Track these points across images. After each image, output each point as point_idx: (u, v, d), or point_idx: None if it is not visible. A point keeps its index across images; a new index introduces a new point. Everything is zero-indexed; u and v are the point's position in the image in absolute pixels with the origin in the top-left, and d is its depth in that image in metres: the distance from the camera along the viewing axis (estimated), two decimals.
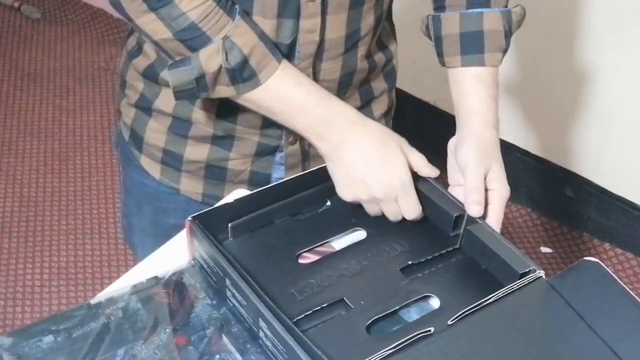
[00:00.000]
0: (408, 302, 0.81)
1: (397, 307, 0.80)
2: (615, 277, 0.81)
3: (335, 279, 0.83)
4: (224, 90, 0.89)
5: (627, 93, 1.96)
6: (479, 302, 0.77)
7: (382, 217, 0.90)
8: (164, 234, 0.93)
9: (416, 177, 0.89)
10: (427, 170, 0.90)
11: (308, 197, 0.92)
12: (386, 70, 1.10)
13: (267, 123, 0.99)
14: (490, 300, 0.77)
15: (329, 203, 0.94)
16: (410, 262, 0.85)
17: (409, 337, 0.72)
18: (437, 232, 0.89)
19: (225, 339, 0.78)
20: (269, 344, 0.75)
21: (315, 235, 0.89)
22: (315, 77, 0.96)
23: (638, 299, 0.79)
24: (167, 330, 0.78)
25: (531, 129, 2.19)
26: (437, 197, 0.89)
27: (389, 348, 0.71)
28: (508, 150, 2.22)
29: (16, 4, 3.10)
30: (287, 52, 0.92)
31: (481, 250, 0.86)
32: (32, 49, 2.95)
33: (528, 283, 0.79)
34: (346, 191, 0.89)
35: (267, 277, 0.82)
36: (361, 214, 0.91)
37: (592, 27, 1.92)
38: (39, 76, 2.83)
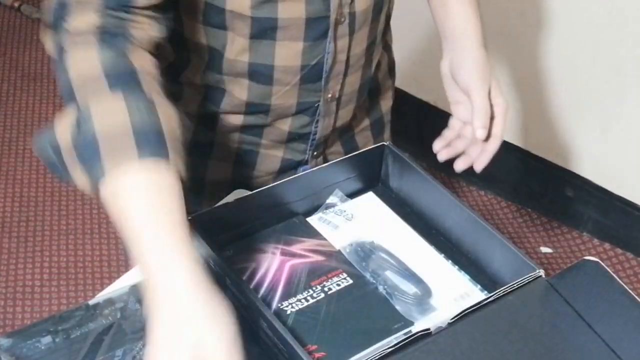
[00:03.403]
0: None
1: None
2: (615, 276, 0.81)
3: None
4: (79, 177, 0.71)
5: (627, 93, 1.96)
6: (479, 301, 0.77)
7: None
8: None
9: None
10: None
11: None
12: (391, 66, 1.11)
13: (293, 136, 0.99)
14: (490, 300, 0.77)
15: (331, 200, 0.94)
16: None
17: (408, 336, 0.72)
18: None
19: None
20: (269, 343, 0.75)
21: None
22: (340, 92, 0.96)
23: (638, 299, 0.79)
24: None
25: (531, 129, 2.19)
26: None
27: (389, 347, 0.71)
28: (508, 150, 2.22)
29: (16, 4, 3.10)
30: (313, 73, 0.92)
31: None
32: (32, 49, 2.95)
33: (528, 282, 0.79)
34: None
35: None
36: None
37: (592, 26, 1.91)
38: (39, 76, 2.83)
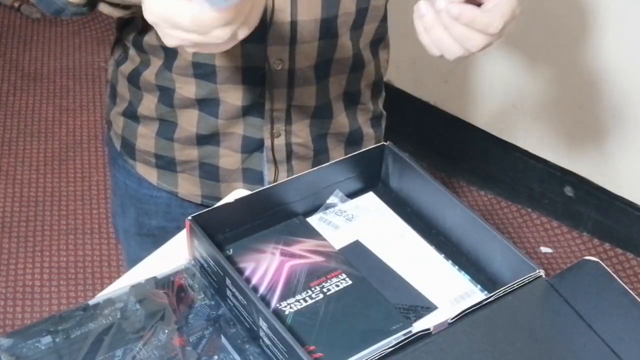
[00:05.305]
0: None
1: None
2: (615, 277, 0.81)
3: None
4: None
5: (627, 93, 1.96)
6: (479, 301, 0.77)
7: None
8: (147, 234, 0.93)
9: None
10: None
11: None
12: (376, 79, 1.09)
13: (247, 110, 1.00)
14: (490, 300, 0.77)
15: (331, 200, 0.94)
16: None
17: (408, 336, 0.72)
18: None
19: (223, 340, 0.78)
20: (269, 343, 0.75)
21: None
22: (291, 63, 0.96)
23: (638, 299, 0.79)
24: (166, 331, 0.78)
25: (531, 129, 2.19)
26: None
27: (388, 347, 0.71)
28: (508, 150, 2.22)
29: (16, 4, 3.10)
30: (257, 33, 0.88)
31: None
32: (32, 49, 2.95)
33: (528, 282, 0.79)
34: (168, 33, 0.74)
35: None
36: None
37: (593, 27, 1.91)
38: (39, 76, 2.83)
